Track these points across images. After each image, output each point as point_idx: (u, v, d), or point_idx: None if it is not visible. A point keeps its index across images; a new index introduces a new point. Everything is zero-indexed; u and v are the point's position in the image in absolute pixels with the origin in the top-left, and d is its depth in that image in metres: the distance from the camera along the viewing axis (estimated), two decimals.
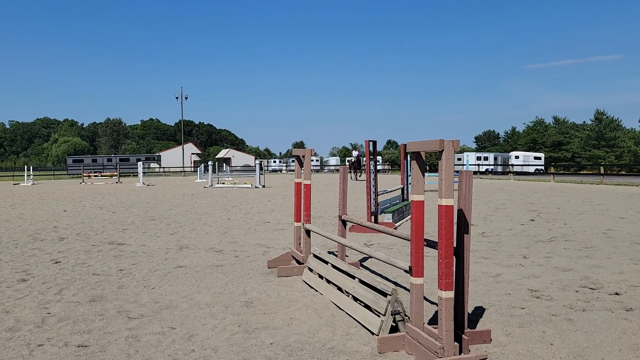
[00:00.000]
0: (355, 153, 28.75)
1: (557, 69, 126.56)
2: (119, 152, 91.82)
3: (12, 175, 49.03)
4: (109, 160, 60.83)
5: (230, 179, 33.01)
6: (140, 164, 33.12)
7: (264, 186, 26.28)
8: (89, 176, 37.23)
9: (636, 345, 3.74)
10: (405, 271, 3.85)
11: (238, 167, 66.00)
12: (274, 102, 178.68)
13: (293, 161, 71.96)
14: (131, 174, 48.86)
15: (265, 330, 4.13)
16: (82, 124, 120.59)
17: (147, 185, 30.38)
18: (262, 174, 27.35)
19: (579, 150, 65.86)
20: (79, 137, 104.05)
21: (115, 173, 38.26)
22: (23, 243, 8.75)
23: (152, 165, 60.97)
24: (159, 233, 9.80)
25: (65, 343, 3.91)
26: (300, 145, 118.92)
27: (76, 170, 51.60)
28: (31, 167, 38.10)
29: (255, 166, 28.24)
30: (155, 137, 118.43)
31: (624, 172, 42.95)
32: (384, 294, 4.06)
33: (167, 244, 8.54)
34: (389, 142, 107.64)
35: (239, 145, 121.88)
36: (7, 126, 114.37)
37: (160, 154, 73.22)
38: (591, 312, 4.54)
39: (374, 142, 9.90)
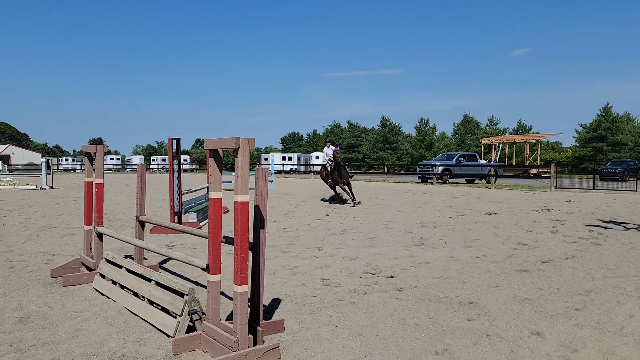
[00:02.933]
0: (330, 150, 16.13)
1: (352, 78, 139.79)
2: None
3: None
4: None
5: (8, 179, 28.56)
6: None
7: (52, 187, 23.38)
8: None
9: (404, 320, 4.35)
10: (203, 269, 3.83)
11: (20, 166, 57.47)
12: (66, 94, 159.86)
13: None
14: None
15: (44, 347, 3.69)
16: None
17: None
18: (50, 174, 24.26)
19: (369, 151, 73.77)
20: None
21: None
22: None
23: None
24: None
25: None
26: (98, 141, 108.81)
27: None
28: None
29: (41, 165, 24.90)
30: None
31: (403, 172, 49.65)
32: (181, 294, 3.98)
33: None
34: (197, 140, 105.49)
35: (21, 140, 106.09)
36: None
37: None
38: (371, 295, 5.14)
39: (178, 140, 9.62)
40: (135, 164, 66.43)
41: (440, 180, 29.68)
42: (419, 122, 74.67)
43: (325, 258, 7.08)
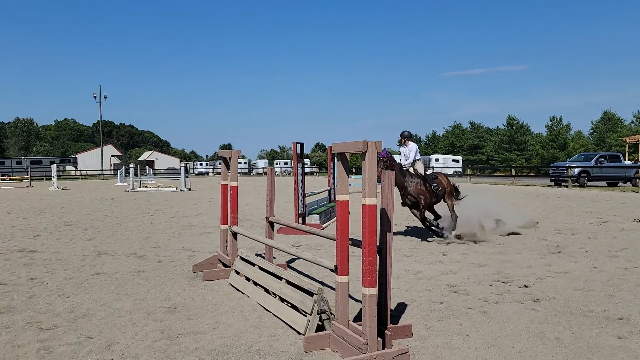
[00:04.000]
0: (405, 150, 9.42)
1: (471, 77, 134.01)
2: (31, 154, 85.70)
3: None
4: (19, 162, 56.61)
5: (153, 182, 31.86)
6: (54, 166, 31.05)
7: (189, 189, 25.62)
8: None
9: (542, 333, 4.04)
10: (331, 270, 3.91)
11: (162, 170, 63.83)
12: (200, 104, 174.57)
13: (220, 164, 70.71)
14: (44, 178, 45.77)
15: (190, 336, 4.03)
16: None
17: (62, 189, 28.58)
18: (187, 177, 26.64)
19: (493, 153, 70.01)
20: None
21: (25, 176, 35.66)
22: None
23: (68, 168, 57.47)
24: (75, 239, 9.26)
25: None
26: (227, 147, 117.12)
27: None
28: None
29: (180, 169, 27.42)
30: (71, 138, 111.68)
31: (532, 174, 46.29)
32: (311, 294, 4.10)
33: (83, 250, 8.09)
34: (317, 145, 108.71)
35: (163, 147, 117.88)
36: None
37: (76, 156, 69.10)
38: (503, 304, 4.85)
39: (302, 144, 9.97)
40: (261, 168, 70.27)
41: (576, 183, 27.19)
42: (550, 121, 69.22)
43: (451, 264, 6.84)
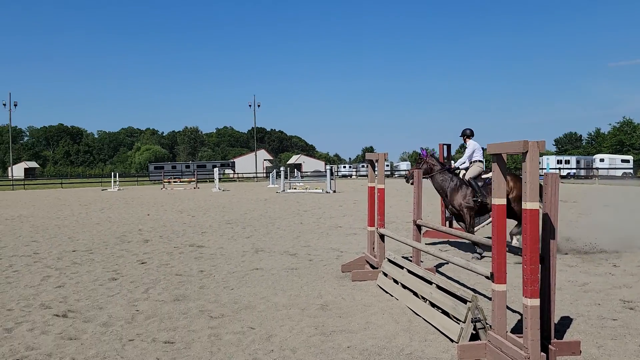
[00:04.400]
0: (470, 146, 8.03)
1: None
2: (196, 159, 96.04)
3: (100, 182, 52.70)
4: (187, 166, 63.78)
5: (301, 184, 33.53)
6: (216, 170, 34.50)
7: (334, 191, 26.45)
8: (169, 182, 39.22)
9: None
10: (487, 277, 3.72)
11: (309, 173, 66.88)
12: (343, 108, 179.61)
13: (363, 166, 71.83)
14: (207, 180, 50.92)
15: (342, 334, 4.15)
16: (162, 133, 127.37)
17: (223, 190, 31.52)
18: (332, 179, 27.55)
19: None
20: (159, 145, 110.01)
21: (192, 179, 40.07)
22: (112, 244, 9.37)
23: (227, 171, 63.18)
24: (236, 236, 10.13)
25: (153, 339, 4.13)
26: (370, 150, 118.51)
27: (157, 177, 54.50)
28: (117, 174, 40.73)
29: (325, 171, 28.52)
30: (230, 144, 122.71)
31: None
32: (464, 301, 3.95)
33: (243, 247, 8.81)
34: (461, 146, 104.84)
35: (309, 151, 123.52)
36: (96, 136, 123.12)
37: (234, 160, 75.83)
38: None
39: (449, 146, 9.68)
40: (403, 170, 69.74)
41: None
42: None
43: (625, 277, 6.06)
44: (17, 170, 75.25)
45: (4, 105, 59.44)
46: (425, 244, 7.40)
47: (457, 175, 7.94)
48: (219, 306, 5.07)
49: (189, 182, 40.24)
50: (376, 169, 6.37)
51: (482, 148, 7.64)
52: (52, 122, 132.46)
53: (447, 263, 6.85)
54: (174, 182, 39.85)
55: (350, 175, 69.01)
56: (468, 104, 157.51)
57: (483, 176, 7.82)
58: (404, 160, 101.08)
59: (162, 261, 7.59)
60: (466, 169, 8.05)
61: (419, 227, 5.94)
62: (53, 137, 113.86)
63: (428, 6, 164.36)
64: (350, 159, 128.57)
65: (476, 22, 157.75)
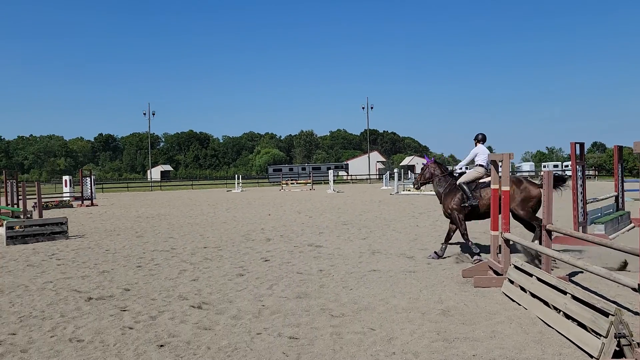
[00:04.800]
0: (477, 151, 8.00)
1: None
2: (311, 162, 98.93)
3: (225, 183, 56.57)
4: (303, 169, 65.94)
5: None
6: (330, 172, 35.23)
7: None
8: (287, 183, 40.90)
9: None
10: (633, 290, 3.36)
11: None
12: (457, 107, 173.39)
13: (482, 167, 68.58)
14: (322, 182, 52.17)
15: (466, 341, 4.00)
16: (280, 136, 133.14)
17: (337, 192, 32.08)
18: None
19: None
20: (277, 149, 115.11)
21: (308, 180, 41.35)
22: (238, 242, 9.99)
23: (341, 173, 64.19)
24: (352, 237, 10.24)
25: (279, 334, 4.33)
26: (489, 150, 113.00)
27: (276, 178, 57.09)
28: (239, 176, 43.34)
29: None
30: (343, 146, 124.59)
31: None
32: (605, 314, 3.60)
33: (360, 248, 8.88)
34: (594, 144, 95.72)
35: (422, 152, 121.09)
36: (221, 140, 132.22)
37: (347, 162, 76.76)
38: None
39: (582, 144, 8.89)
40: (526, 171, 65.54)
41: None
42: None
43: None
44: (155, 173, 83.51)
45: (144, 114, 66.28)
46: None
47: (454, 179, 8.12)
48: (339, 305, 5.16)
49: (305, 183, 41.56)
50: (500, 170, 6.05)
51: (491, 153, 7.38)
52: (184, 128, 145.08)
53: (581, 272, 6.30)
54: (291, 183, 41.44)
55: None
56: (598, 100, 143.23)
57: (480, 180, 7.89)
58: (527, 160, 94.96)
59: (283, 259, 7.92)
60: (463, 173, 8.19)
61: (549, 232, 5.53)
62: (184, 143, 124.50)
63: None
64: None
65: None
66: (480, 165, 8.00)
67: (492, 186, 6.34)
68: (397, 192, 27.14)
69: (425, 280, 6.20)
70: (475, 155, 8.13)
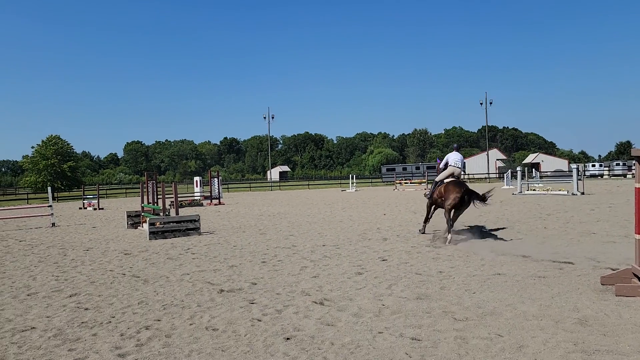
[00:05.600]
0: (457, 158, 10.72)
1: None
2: (425, 161, 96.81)
3: (339, 183, 57.55)
4: (417, 168, 64.79)
5: (541, 185, 30.74)
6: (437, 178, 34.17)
7: (582, 193, 23.50)
8: (401, 183, 40.47)
9: None
10: None
11: (549, 173, 60.89)
12: (586, 100, 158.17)
13: (617, 164, 62.05)
14: None
15: (609, 355, 3.65)
16: (393, 136, 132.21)
17: None
18: (580, 180, 24.51)
19: None
20: (390, 148, 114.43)
21: (423, 180, 40.50)
22: (355, 241, 10.11)
23: None
24: (471, 238, 9.84)
25: (401, 334, 4.31)
26: (626, 145, 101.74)
27: (389, 178, 56.82)
28: (353, 176, 43.80)
29: (570, 171, 25.53)
30: (459, 144, 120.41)
31: None
32: None
33: (481, 250, 8.49)
34: None
35: (548, 149, 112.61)
36: (335, 141, 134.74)
37: (464, 160, 73.97)
38: None
39: None
40: None
41: None
42: None
43: None
44: (274, 174, 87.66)
45: (264, 118, 69.65)
46: None
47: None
48: (462, 309, 5.00)
49: (420, 183, 40.78)
50: None
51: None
52: (300, 130, 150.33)
53: None
54: (405, 183, 40.92)
55: (601, 175, 60.34)
56: None
57: (449, 179, 10.19)
58: None
59: (401, 259, 7.86)
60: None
61: None
62: (300, 144, 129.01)
63: None
64: (600, 156, 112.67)
65: None
66: (452, 166, 10.46)
67: (636, 185, 5.70)
68: (521, 192, 25.52)
69: (557, 287, 5.77)
70: (447, 159, 10.67)
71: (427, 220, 10.98)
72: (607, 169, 62.31)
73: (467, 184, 9.92)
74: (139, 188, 15.51)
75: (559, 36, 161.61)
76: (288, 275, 6.95)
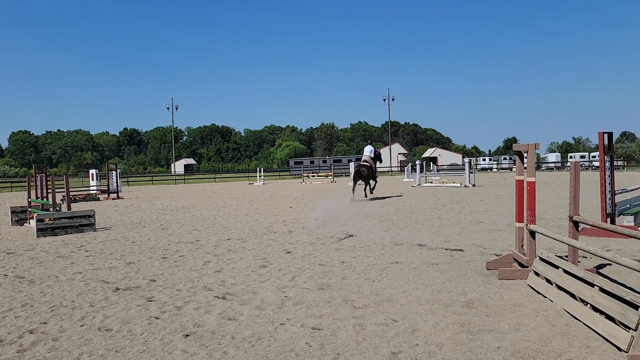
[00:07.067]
0: (368, 150, 18.50)
1: None
2: (332, 154, 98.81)
3: (247, 176, 56.98)
4: (324, 161, 65.96)
5: (438, 178, 32.66)
6: (351, 164, 35.08)
7: (474, 185, 25.32)
8: (308, 176, 40.96)
9: None
10: None
11: (445, 166, 64.89)
12: (479, 99, 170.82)
13: (505, 158, 67.65)
14: (343, 174, 52.10)
15: (490, 333, 3.97)
16: (301, 129, 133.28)
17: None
18: (471, 173, 26.37)
19: None
20: (298, 142, 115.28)
21: (329, 173, 41.33)
22: (261, 234, 10.07)
23: None
24: (374, 229, 10.22)
25: (302, 324, 4.36)
26: (512, 141, 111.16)
27: (297, 171, 57.22)
28: (261, 169, 43.57)
29: (463, 164, 27.41)
30: (364, 138, 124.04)
31: None
32: (635, 306, 3.53)
33: (382, 240, 8.87)
34: (623, 134, 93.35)
35: (444, 143, 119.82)
36: (242, 134, 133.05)
37: (378, 150, 76.54)
38: None
39: (610, 134, 8.67)
40: (552, 162, 64.35)
41: None
42: None
43: None
44: (178, 167, 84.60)
45: (167, 108, 67.04)
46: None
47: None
48: (361, 297, 5.17)
49: (326, 176, 41.56)
50: (525, 160, 5.96)
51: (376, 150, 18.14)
52: (206, 122, 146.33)
53: (609, 264, 6.18)
54: (313, 176, 41.48)
55: (491, 169, 65.48)
56: (628, 88, 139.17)
57: (361, 162, 17.90)
58: (552, 151, 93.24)
59: (305, 251, 7.96)
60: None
61: (576, 223, 5.43)
62: (207, 136, 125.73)
63: None
64: (489, 151, 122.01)
65: None
66: (366, 155, 17.90)
67: (517, 177, 6.25)
68: (419, 185, 26.94)
69: (448, 273, 6.16)
70: (364, 150, 18.12)
71: (353, 191, 17.86)
72: (495, 162, 67.69)
73: (365, 169, 17.27)
74: (26, 182, 14.20)
75: (450, 41, 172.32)
76: (190, 271, 6.75)
